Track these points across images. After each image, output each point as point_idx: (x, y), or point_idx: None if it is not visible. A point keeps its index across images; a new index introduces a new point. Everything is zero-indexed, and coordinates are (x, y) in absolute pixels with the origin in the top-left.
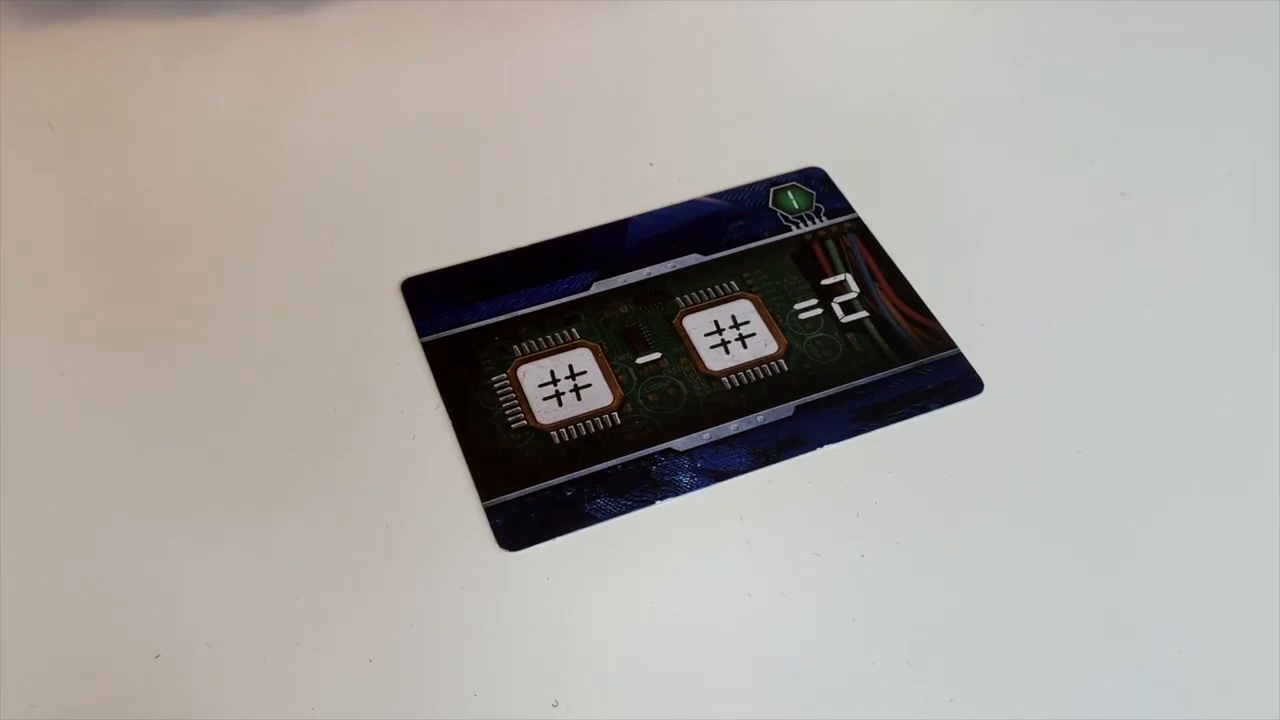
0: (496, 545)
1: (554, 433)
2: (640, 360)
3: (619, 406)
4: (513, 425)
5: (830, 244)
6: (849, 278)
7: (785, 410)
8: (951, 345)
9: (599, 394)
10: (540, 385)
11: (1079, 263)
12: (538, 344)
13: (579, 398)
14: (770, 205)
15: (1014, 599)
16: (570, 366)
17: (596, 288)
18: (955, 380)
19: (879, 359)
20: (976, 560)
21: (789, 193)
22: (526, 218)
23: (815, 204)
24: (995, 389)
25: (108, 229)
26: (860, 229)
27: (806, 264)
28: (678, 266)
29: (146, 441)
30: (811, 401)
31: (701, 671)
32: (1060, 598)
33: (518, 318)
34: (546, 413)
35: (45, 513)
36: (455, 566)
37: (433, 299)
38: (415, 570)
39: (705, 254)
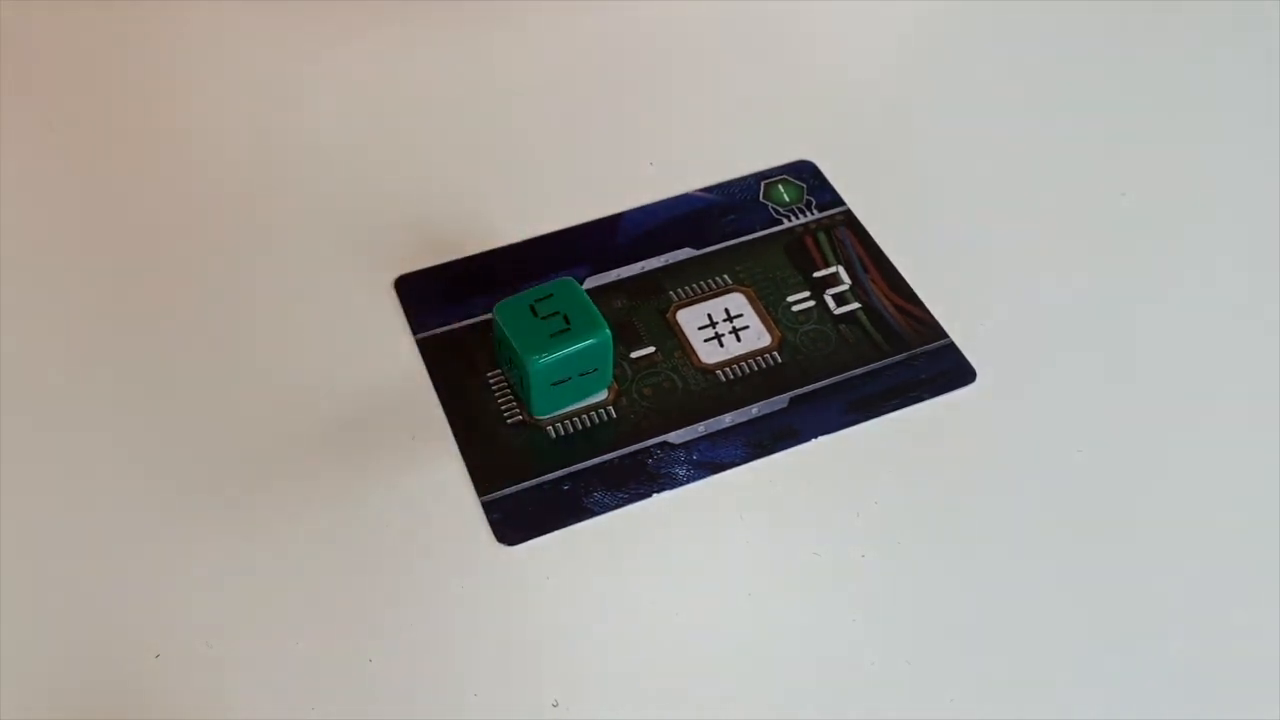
0: (495, 540)
1: (550, 427)
2: (634, 354)
3: (614, 400)
4: (508, 420)
5: (821, 236)
6: (841, 270)
7: (780, 402)
8: (943, 335)
9: None
10: None
11: (1070, 251)
12: None
13: None
14: (761, 199)
15: (1014, 595)
16: None
17: (590, 283)
18: (948, 370)
19: (872, 350)
20: (975, 556)
21: (779, 186)
22: (519, 214)
23: (806, 197)
24: (988, 378)
25: (106, 228)
26: (851, 221)
27: (798, 257)
28: (670, 261)
29: (145, 441)
30: (805, 393)
31: (701, 671)
32: (1060, 594)
33: None
34: None
35: (46, 513)
36: (454, 562)
37: (426, 296)
38: (415, 568)
39: (697, 248)
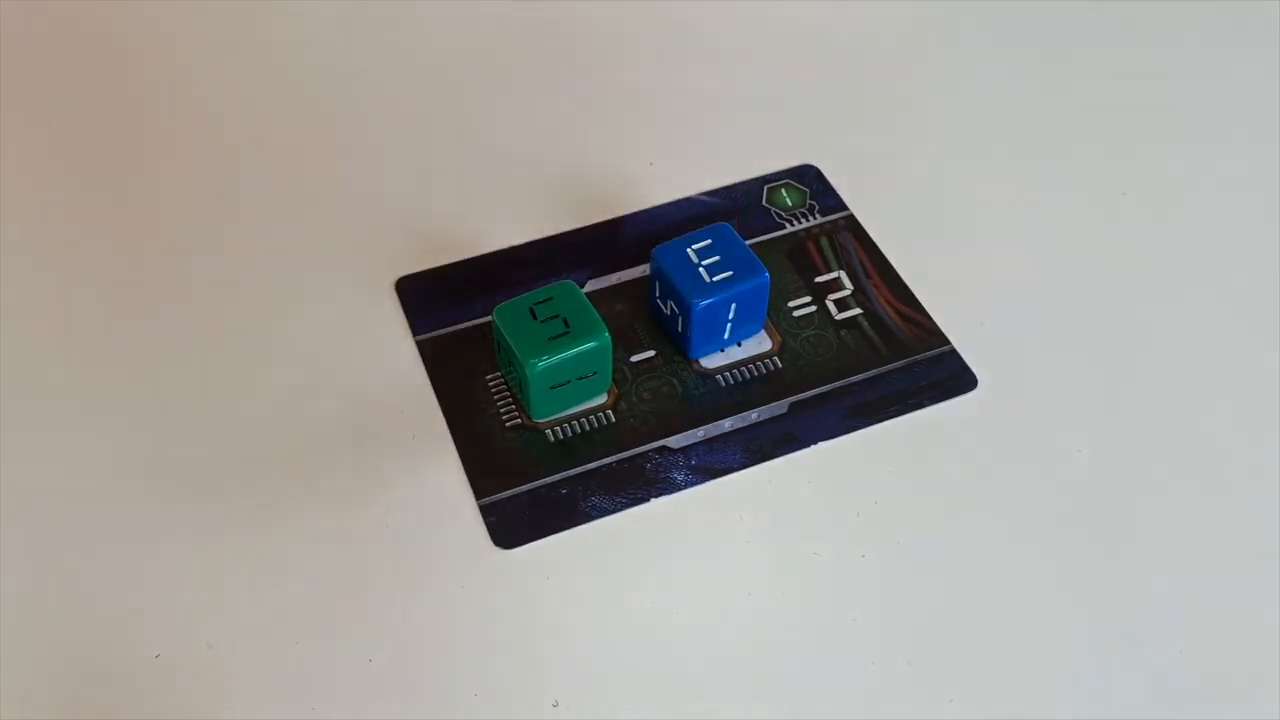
0: (491, 543)
1: (549, 430)
2: (635, 358)
3: (613, 404)
4: (507, 423)
5: (824, 241)
6: (843, 275)
7: (780, 407)
8: (945, 342)
9: None
10: None
11: (1072, 259)
12: None
13: None
14: (764, 203)
15: (1014, 596)
16: None
17: (591, 286)
18: (949, 376)
19: (873, 356)
20: (975, 558)
21: (782, 190)
22: (520, 216)
23: (809, 201)
24: (989, 385)
25: (106, 228)
26: (854, 226)
27: (800, 261)
28: None
29: (145, 441)
30: (806, 398)
31: (701, 671)
32: (1060, 596)
33: None
34: None
35: (46, 513)
36: (452, 565)
37: (427, 297)
38: (413, 569)
39: None
